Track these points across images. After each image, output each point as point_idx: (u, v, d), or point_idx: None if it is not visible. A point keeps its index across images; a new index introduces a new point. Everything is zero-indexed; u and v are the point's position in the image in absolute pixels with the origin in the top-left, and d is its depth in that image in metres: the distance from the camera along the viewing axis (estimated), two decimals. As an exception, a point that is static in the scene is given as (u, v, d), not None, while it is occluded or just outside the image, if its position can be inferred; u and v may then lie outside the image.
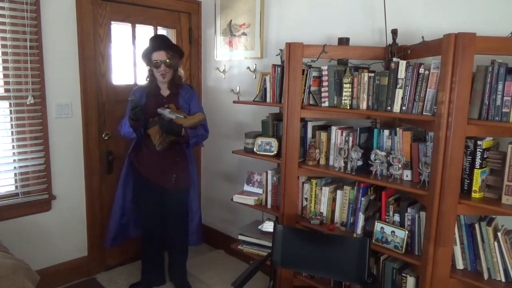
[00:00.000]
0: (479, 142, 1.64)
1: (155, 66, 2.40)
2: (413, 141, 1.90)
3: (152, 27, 3.07)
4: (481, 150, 1.64)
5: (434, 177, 1.70)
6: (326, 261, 1.97)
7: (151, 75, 2.48)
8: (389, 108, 1.87)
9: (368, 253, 1.86)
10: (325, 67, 2.08)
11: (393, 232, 1.92)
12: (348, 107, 2.01)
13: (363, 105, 1.97)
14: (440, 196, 1.68)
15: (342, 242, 1.96)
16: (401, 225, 1.92)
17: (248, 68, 2.91)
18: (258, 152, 2.43)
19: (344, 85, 2.00)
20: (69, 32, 2.59)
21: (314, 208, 2.28)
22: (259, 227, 2.54)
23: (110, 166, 2.91)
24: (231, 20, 3.02)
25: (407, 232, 1.87)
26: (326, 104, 2.09)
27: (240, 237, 2.54)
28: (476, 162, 1.65)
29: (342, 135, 2.15)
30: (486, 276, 1.68)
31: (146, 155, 2.48)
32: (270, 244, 2.14)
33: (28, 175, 2.53)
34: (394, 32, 1.98)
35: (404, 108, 1.83)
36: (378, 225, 1.97)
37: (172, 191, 2.52)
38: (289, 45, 2.10)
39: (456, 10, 1.92)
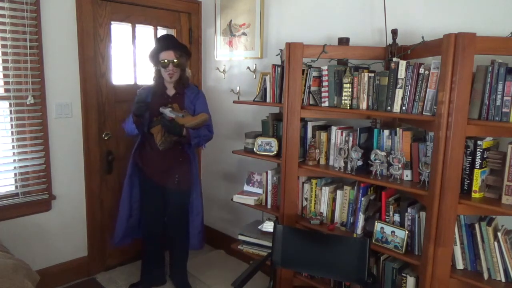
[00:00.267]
0: (479, 142, 1.64)
1: (163, 66, 2.40)
2: (413, 141, 1.90)
3: (152, 27, 3.07)
4: (481, 150, 1.64)
5: (434, 177, 1.70)
6: (326, 261, 1.97)
7: (158, 75, 2.48)
8: (389, 108, 1.87)
9: (368, 253, 1.86)
10: (325, 67, 2.08)
11: (393, 232, 1.92)
12: (348, 107, 2.01)
13: (363, 105, 1.97)
14: (440, 196, 1.68)
15: (342, 242, 1.95)
16: (401, 225, 1.92)
17: (248, 68, 2.91)
18: (258, 152, 2.43)
19: (344, 85, 2.00)
20: (69, 32, 2.59)
21: (314, 208, 2.28)
22: (259, 227, 2.54)
23: (110, 166, 2.91)
24: (231, 20, 3.02)
25: (407, 232, 1.87)
26: (326, 104, 2.09)
27: (240, 237, 2.54)
28: (476, 162, 1.65)
29: (342, 135, 2.15)
30: (486, 276, 1.68)
31: (149, 154, 2.48)
32: (270, 244, 2.13)
33: (28, 175, 2.53)
34: (394, 32, 1.98)
35: (404, 108, 1.83)
36: (378, 225, 1.97)
37: (174, 191, 2.52)
38: (289, 45, 2.10)
39: (456, 10, 1.92)
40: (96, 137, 2.78)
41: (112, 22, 2.82)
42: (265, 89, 2.39)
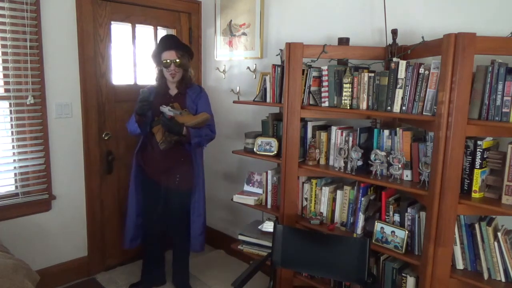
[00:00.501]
0: (479, 142, 1.64)
1: (164, 66, 2.40)
2: (413, 141, 1.90)
3: (152, 27, 3.07)
4: (481, 150, 1.64)
5: (434, 177, 1.70)
6: (326, 261, 1.97)
7: (161, 75, 2.48)
8: (389, 108, 1.87)
9: (368, 253, 1.86)
10: (325, 67, 2.08)
11: (393, 232, 1.92)
12: (348, 107, 2.01)
13: (363, 105, 1.97)
14: (440, 196, 1.68)
15: (342, 242, 1.95)
16: (401, 225, 1.92)
17: (248, 68, 2.91)
18: (258, 152, 2.43)
19: (344, 85, 2.00)
20: (69, 32, 2.59)
21: (314, 208, 2.28)
22: (259, 227, 2.54)
23: (110, 166, 2.91)
24: (231, 20, 3.03)
25: (407, 232, 1.87)
26: (326, 104, 2.09)
27: (240, 237, 2.54)
28: (476, 162, 1.65)
29: (342, 135, 2.15)
30: (486, 276, 1.68)
31: (150, 154, 2.48)
32: (270, 244, 2.13)
33: (28, 175, 2.53)
34: (394, 32, 1.98)
35: (404, 108, 1.83)
36: (378, 225, 1.97)
37: (175, 191, 2.52)
38: (289, 45, 2.10)
39: (456, 10, 1.92)
40: (96, 137, 2.78)
41: (112, 22, 2.82)
42: (265, 89, 2.39)
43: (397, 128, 1.95)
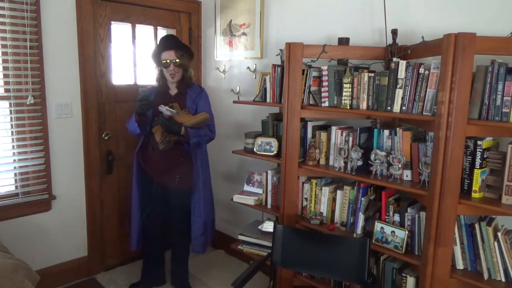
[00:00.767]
0: (479, 142, 1.64)
1: (164, 66, 2.40)
2: (413, 141, 1.90)
3: (152, 27, 3.07)
4: (481, 150, 1.64)
5: (434, 177, 1.70)
6: (326, 261, 1.97)
7: (161, 76, 2.48)
8: (389, 108, 1.87)
9: (368, 253, 1.86)
10: (325, 67, 2.08)
11: (393, 232, 1.92)
12: (348, 107, 2.01)
13: (363, 105, 1.97)
14: (440, 196, 1.68)
15: (342, 242, 1.95)
16: (401, 225, 1.92)
17: (248, 68, 2.91)
18: (258, 152, 2.43)
19: (344, 85, 2.00)
20: (69, 32, 2.59)
21: (314, 208, 2.28)
22: (259, 227, 2.54)
23: (110, 166, 2.91)
24: (231, 20, 3.03)
25: (407, 232, 1.87)
26: (326, 104, 2.09)
27: (240, 237, 2.54)
28: (476, 162, 1.65)
29: (342, 135, 2.15)
30: (486, 276, 1.68)
31: (150, 154, 2.48)
32: (270, 244, 2.13)
33: (28, 175, 2.53)
34: (394, 32, 1.98)
35: (404, 108, 1.83)
36: (378, 225, 1.97)
37: (175, 191, 2.51)
38: (289, 45, 2.10)
39: (456, 10, 1.92)
40: (96, 137, 2.78)
41: (112, 22, 2.82)
42: (265, 89, 2.39)
43: (397, 128, 1.95)
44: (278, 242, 2.06)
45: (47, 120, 2.55)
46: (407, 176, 1.93)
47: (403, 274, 1.94)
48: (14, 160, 2.47)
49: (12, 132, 2.45)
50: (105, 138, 2.86)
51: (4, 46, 2.35)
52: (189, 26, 3.26)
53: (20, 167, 2.49)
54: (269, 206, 2.47)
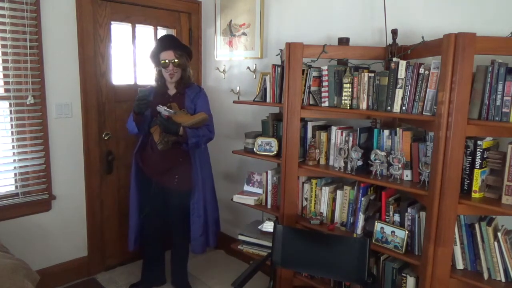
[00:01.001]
0: (479, 142, 1.64)
1: (163, 66, 2.40)
2: (413, 141, 1.90)
3: (152, 27, 3.07)
4: (481, 150, 1.64)
5: (434, 177, 1.70)
6: (326, 261, 1.97)
7: (160, 76, 2.48)
8: (389, 108, 1.87)
9: (368, 253, 1.86)
10: (325, 67, 2.08)
11: (393, 232, 1.92)
12: (348, 107, 2.01)
13: (363, 105, 1.97)
14: (440, 196, 1.68)
15: (342, 242, 1.95)
16: (401, 225, 1.92)
17: (248, 68, 2.91)
18: (258, 152, 2.43)
19: (344, 85, 2.00)
20: (69, 32, 2.59)
21: (314, 208, 2.28)
22: (259, 227, 2.54)
23: (110, 166, 2.91)
24: (231, 20, 3.02)
25: (407, 232, 1.87)
26: (326, 104, 2.09)
27: (240, 237, 2.54)
28: (476, 162, 1.65)
29: (342, 135, 2.15)
30: (486, 276, 1.68)
31: (149, 154, 2.47)
32: (270, 244, 2.13)
33: (28, 175, 2.53)
34: (394, 32, 1.98)
35: (404, 108, 1.83)
36: (378, 225, 1.97)
37: (174, 191, 2.51)
38: (289, 45, 2.10)
39: (456, 10, 1.92)
40: (96, 137, 2.78)
41: (112, 22, 2.82)
42: (265, 89, 2.39)
43: (397, 128, 1.95)
44: (278, 242, 2.06)
45: (47, 120, 2.55)
46: (407, 176, 1.93)
47: (403, 274, 1.94)
48: (14, 160, 2.47)
49: (12, 132, 2.45)
50: (105, 138, 2.86)
51: (4, 46, 2.35)
52: (189, 26, 3.26)
53: (20, 167, 2.49)
54: (269, 206, 2.47)
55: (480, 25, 1.81)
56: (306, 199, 2.31)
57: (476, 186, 1.66)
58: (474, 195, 1.67)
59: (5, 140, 2.45)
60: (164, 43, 2.44)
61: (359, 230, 2.05)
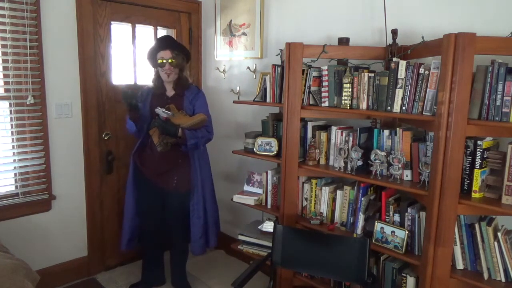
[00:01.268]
0: (479, 142, 1.64)
1: (159, 65, 2.39)
2: (413, 141, 1.90)
3: (152, 27, 3.07)
4: (481, 150, 1.64)
5: (434, 177, 1.70)
6: (326, 261, 1.97)
7: (157, 76, 2.48)
8: (389, 108, 1.87)
9: (368, 253, 1.86)
10: (325, 67, 2.08)
11: (393, 232, 1.92)
12: (348, 107, 2.01)
13: (363, 105, 1.97)
14: (440, 196, 1.68)
15: (342, 242, 1.95)
16: (401, 225, 1.92)
17: (248, 68, 2.91)
18: (258, 152, 2.43)
19: (344, 85, 2.00)
20: (69, 32, 2.59)
21: (314, 208, 2.28)
22: (259, 227, 2.54)
23: (110, 166, 2.91)
24: (231, 20, 3.03)
25: (407, 232, 1.87)
26: (326, 104, 2.09)
27: (240, 237, 2.54)
28: (476, 162, 1.65)
29: (342, 135, 2.15)
30: (486, 276, 1.68)
31: (148, 156, 2.47)
32: (270, 244, 2.13)
33: (28, 175, 2.53)
34: (394, 32, 1.98)
35: (404, 108, 1.83)
36: (378, 225, 1.97)
37: (173, 193, 2.50)
38: (289, 45, 2.10)
39: (456, 10, 1.92)
40: (96, 137, 2.78)
41: (112, 22, 2.82)
42: (265, 89, 2.39)
43: (397, 128, 1.95)
44: (278, 242, 2.06)
45: (47, 120, 2.55)
46: (407, 176, 1.93)
47: (403, 274, 1.94)
48: (14, 160, 2.47)
49: (12, 132, 2.45)
50: (105, 138, 2.86)
51: (4, 46, 2.35)
52: (189, 26, 3.26)
53: (20, 167, 2.49)
54: (269, 206, 2.47)
55: (480, 25, 1.81)
56: (306, 199, 2.31)
57: (476, 186, 1.66)
58: (474, 195, 1.67)
59: (5, 140, 2.45)
60: (162, 43, 2.44)
61: (359, 230, 2.05)
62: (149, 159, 2.47)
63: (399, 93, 1.84)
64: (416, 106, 1.79)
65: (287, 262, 2.06)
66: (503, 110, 1.56)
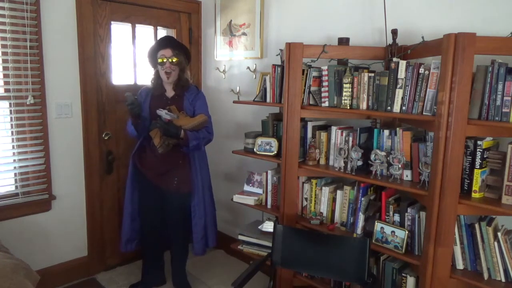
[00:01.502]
0: (479, 142, 1.64)
1: (160, 64, 2.39)
2: (413, 141, 1.90)
3: (152, 27, 3.07)
4: (481, 150, 1.64)
5: (434, 177, 1.70)
6: (326, 261, 1.97)
7: (157, 77, 2.47)
8: (389, 108, 1.87)
9: (368, 253, 1.86)
10: (325, 67, 2.08)
11: (393, 232, 1.92)
12: (348, 107, 2.01)
13: (363, 105, 1.97)
14: (440, 196, 1.68)
15: (342, 242, 1.95)
16: (401, 225, 1.92)
17: (248, 68, 2.91)
18: (258, 152, 2.43)
19: (344, 85, 2.00)
20: (69, 32, 2.59)
21: (314, 208, 2.28)
22: (259, 227, 2.54)
23: (110, 166, 2.91)
24: (231, 20, 3.02)
25: (407, 232, 1.87)
26: (326, 104, 2.09)
27: (240, 237, 2.55)
28: (476, 162, 1.65)
29: (342, 135, 2.15)
30: (486, 276, 1.68)
31: (148, 157, 2.47)
32: (270, 244, 2.13)
33: (28, 175, 2.53)
34: (394, 32, 1.98)
35: (404, 108, 1.83)
36: (378, 225, 1.97)
37: (174, 194, 2.50)
38: (289, 45, 2.10)
39: (456, 10, 1.92)
40: (96, 137, 2.78)
41: (112, 22, 2.82)
42: (265, 89, 2.39)
43: (397, 128, 1.95)
44: (278, 242, 2.06)
45: (47, 120, 2.55)
46: (407, 176, 1.93)
47: (403, 274, 1.94)
48: (14, 160, 2.47)
49: (12, 132, 2.45)
50: (105, 138, 2.86)
51: (4, 46, 2.35)
52: (189, 26, 3.26)
53: (20, 167, 2.49)
54: (269, 206, 2.47)
55: (480, 25, 1.81)
56: (306, 199, 2.31)
57: (476, 186, 1.66)
58: (474, 195, 1.67)
59: (5, 140, 2.45)
60: (162, 42, 2.44)
61: (359, 230, 2.05)
62: (149, 160, 2.47)
63: (399, 93, 1.84)
64: (416, 106, 1.79)
65: (287, 262, 2.06)
66: (503, 110, 1.56)
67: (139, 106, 2.33)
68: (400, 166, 1.89)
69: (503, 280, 1.65)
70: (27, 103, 2.45)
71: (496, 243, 1.64)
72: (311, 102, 2.18)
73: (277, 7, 2.73)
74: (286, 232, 2.07)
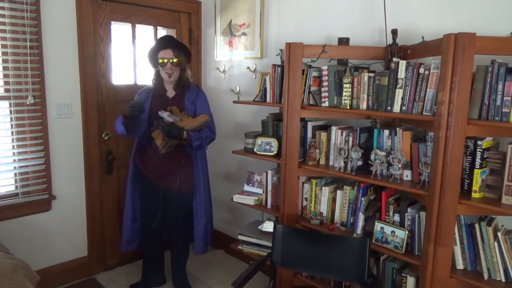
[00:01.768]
0: (479, 142, 1.64)
1: (161, 65, 2.38)
2: (413, 141, 1.90)
3: (152, 27, 3.07)
4: (481, 150, 1.64)
5: (434, 177, 1.70)
6: (326, 261, 1.97)
7: (158, 77, 2.47)
8: (389, 108, 1.87)
9: (368, 253, 1.86)
10: (325, 67, 2.08)
11: (393, 232, 1.92)
12: (348, 107, 2.01)
13: (363, 105, 1.97)
14: (440, 196, 1.68)
15: (342, 242, 1.95)
16: (401, 225, 1.92)
17: (248, 68, 2.91)
18: (258, 152, 2.42)
19: (344, 85, 2.00)
20: (69, 32, 2.59)
21: (314, 208, 2.28)
22: (259, 227, 2.54)
23: (110, 166, 2.91)
24: (231, 20, 3.03)
25: (407, 232, 1.87)
26: (326, 104, 2.09)
27: (240, 237, 2.54)
28: (476, 162, 1.65)
29: (342, 135, 2.15)
30: (486, 276, 1.68)
31: (150, 157, 2.46)
32: (270, 244, 2.13)
33: (28, 175, 2.53)
34: (394, 32, 1.98)
35: (404, 108, 1.83)
36: (378, 225, 1.97)
37: (176, 194, 2.50)
38: (289, 45, 2.10)
39: (456, 10, 1.92)
40: (96, 137, 2.78)
41: (112, 22, 2.82)
42: (265, 89, 2.39)
43: (397, 128, 1.95)
44: (278, 242, 2.06)
45: (47, 120, 2.55)
46: (407, 176, 1.93)
47: (403, 274, 1.94)
48: (14, 160, 2.47)
49: (12, 132, 2.45)
50: (105, 138, 2.86)
51: (4, 46, 2.35)
52: (189, 26, 3.26)
53: (20, 167, 2.49)
54: (269, 206, 2.47)
55: (480, 25, 1.81)
56: (306, 199, 2.31)
57: (476, 186, 1.66)
58: (474, 195, 1.67)
59: (5, 140, 2.45)
60: (163, 42, 2.43)
61: (359, 230, 2.05)
62: (151, 161, 2.46)
63: (399, 93, 1.84)
64: (416, 106, 1.79)
65: (287, 262, 2.06)
66: (503, 110, 1.56)
67: (140, 111, 2.33)
68: (400, 166, 1.89)
69: (503, 280, 1.65)
70: (27, 103, 2.45)
71: (496, 243, 1.64)
72: (311, 102, 2.18)
73: (277, 7, 2.73)
74: (286, 232, 2.07)
